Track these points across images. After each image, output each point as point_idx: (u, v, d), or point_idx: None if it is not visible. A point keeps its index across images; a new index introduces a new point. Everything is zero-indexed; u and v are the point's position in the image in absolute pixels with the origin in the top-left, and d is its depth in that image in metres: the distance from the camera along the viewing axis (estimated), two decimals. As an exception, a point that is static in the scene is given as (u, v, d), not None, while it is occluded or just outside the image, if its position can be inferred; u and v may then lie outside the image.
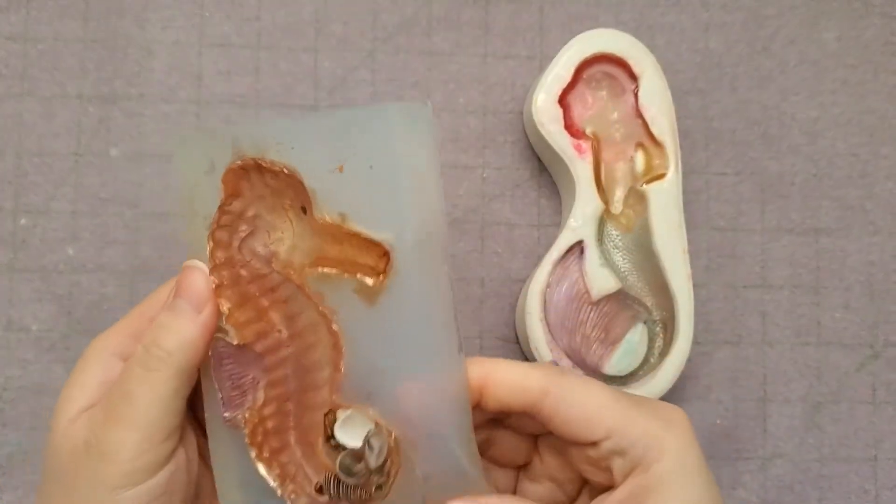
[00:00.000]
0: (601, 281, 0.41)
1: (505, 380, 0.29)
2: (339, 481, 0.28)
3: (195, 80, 0.44)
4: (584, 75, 0.42)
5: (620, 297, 0.42)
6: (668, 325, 0.42)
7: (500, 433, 0.33)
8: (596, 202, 0.42)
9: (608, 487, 0.29)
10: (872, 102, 0.46)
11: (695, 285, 0.44)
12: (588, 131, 0.42)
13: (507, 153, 0.45)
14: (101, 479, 0.27)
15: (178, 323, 0.28)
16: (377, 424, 0.28)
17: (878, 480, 0.45)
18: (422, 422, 0.28)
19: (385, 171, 0.26)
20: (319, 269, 0.28)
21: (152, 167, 0.43)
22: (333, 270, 0.28)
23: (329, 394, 0.29)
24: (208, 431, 0.30)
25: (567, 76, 0.42)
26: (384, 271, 0.27)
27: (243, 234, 0.29)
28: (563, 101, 0.42)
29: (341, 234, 0.28)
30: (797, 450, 0.45)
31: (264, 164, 0.28)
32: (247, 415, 0.29)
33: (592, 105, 0.43)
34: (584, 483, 0.32)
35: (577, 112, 0.42)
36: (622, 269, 0.42)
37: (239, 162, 0.28)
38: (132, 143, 0.44)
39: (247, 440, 0.29)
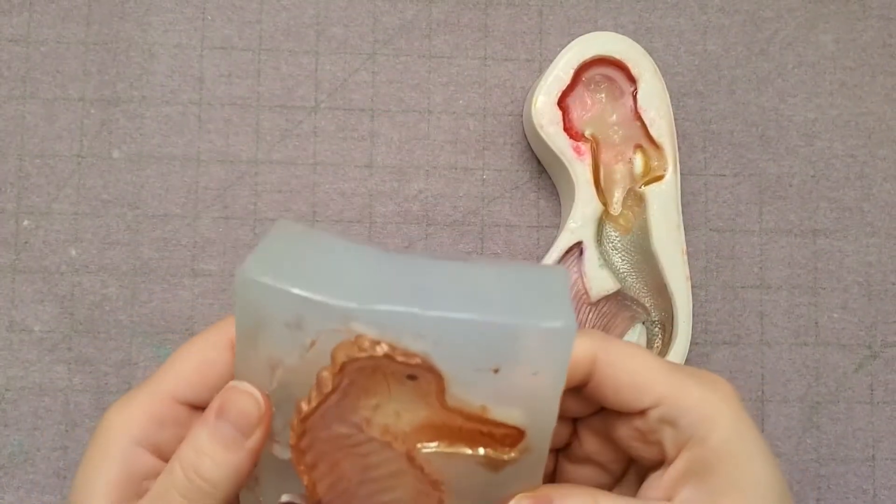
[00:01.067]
0: (600, 282, 0.42)
1: None
2: None
3: (197, 82, 0.44)
4: (584, 78, 0.43)
5: (619, 298, 0.42)
6: (667, 326, 0.42)
7: None
8: (595, 203, 0.42)
9: (657, 464, 0.28)
10: (870, 104, 0.47)
11: (693, 286, 0.44)
12: (587, 133, 0.43)
13: (507, 155, 0.45)
14: None
15: (223, 454, 0.25)
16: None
17: (875, 480, 0.45)
18: None
19: (549, 379, 0.25)
20: (436, 444, 0.26)
21: (154, 169, 0.44)
22: (455, 447, 0.26)
23: None
24: None
25: (566, 78, 0.42)
26: (513, 446, 0.26)
27: (331, 404, 0.26)
28: (562, 103, 0.42)
29: (473, 417, 0.26)
30: (795, 450, 0.45)
31: (398, 359, 0.25)
32: None
33: (591, 107, 0.43)
34: (629, 463, 0.30)
35: (577, 114, 0.43)
36: (621, 270, 0.42)
37: (364, 355, 0.24)
38: (134, 145, 0.44)
39: None
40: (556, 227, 0.45)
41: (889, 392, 0.45)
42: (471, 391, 0.25)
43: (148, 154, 0.44)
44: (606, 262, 0.42)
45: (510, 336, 0.25)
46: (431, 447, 0.26)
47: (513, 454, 0.26)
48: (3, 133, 0.43)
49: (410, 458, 0.26)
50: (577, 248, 0.42)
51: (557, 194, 0.45)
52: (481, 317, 0.25)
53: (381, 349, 0.24)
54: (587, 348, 0.27)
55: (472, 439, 0.26)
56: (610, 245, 0.42)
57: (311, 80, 0.45)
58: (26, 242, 0.43)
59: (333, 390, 0.25)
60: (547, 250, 0.42)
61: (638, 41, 0.43)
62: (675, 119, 0.44)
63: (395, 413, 0.26)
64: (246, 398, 0.25)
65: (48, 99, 0.44)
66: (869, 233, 0.46)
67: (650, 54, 0.43)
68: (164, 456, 0.27)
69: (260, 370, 0.26)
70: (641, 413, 0.27)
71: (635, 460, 0.29)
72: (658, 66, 0.43)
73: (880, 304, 0.46)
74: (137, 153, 0.44)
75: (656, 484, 0.27)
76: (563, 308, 0.25)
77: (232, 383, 0.26)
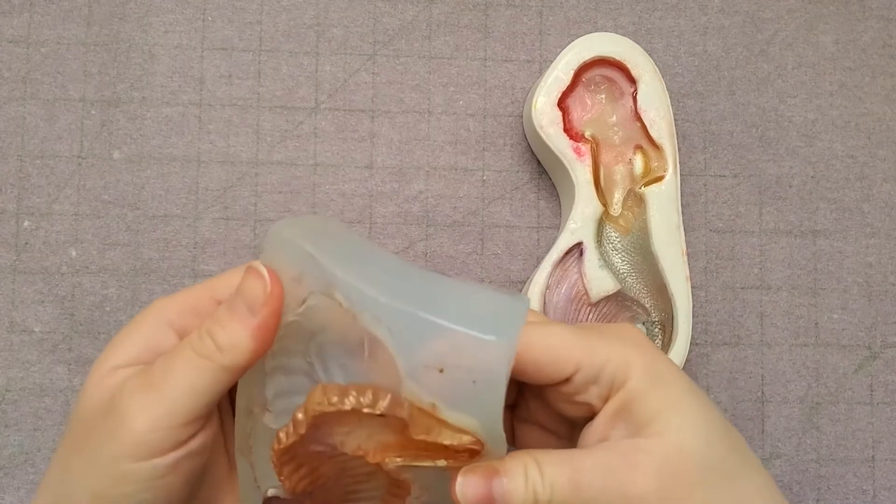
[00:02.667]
0: (600, 282, 0.42)
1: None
2: None
3: (197, 83, 0.44)
4: (583, 78, 0.43)
5: (619, 299, 0.42)
6: (667, 327, 0.42)
7: None
8: (595, 204, 0.42)
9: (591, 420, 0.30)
10: (870, 105, 0.47)
11: (693, 287, 0.44)
12: (587, 134, 0.43)
13: (507, 156, 0.45)
14: (112, 443, 0.27)
15: (231, 323, 0.28)
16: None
17: (875, 481, 0.45)
18: None
19: (487, 390, 0.27)
20: (400, 460, 0.29)
21: (154, 170, 0.44)
22: (418, 460, 0.29)
23: None
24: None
25: (566, 79, 0.42)
26: (474, 456, 0.28)
27: (307, 435, 0.29)
28: (562, 104, 0.42)
29: (429, 422, 0.28)
30: (795, 450, 0.45)
31: (364, 412, 0.28)
32: None
33: (591, 108, 0.43)
34: (572, 426, 0.32)
35: (577, 115, 0.43)
36: (621, 271, 0.42)
37: (332, 409, 0.28)
38: (134, 145, 0.44)
39: None
40: (557, 227, 0.45)
41: (889, 393, 0.45)
42: (422, 388, 0.27)
43: (148, 155, 0.44)
44: (606, 263, 0.42)
45: (451, 340, 0.27)
46: (398, 461, 0.28)
47: (472, 460, 0.28)
48: (4, 134, 0.43)
49: (380, 467, 0.29)
50: (577, 248, 0.42)
51: (557, 195, 0.45)
52: (431, 316, 0.27)
53: (349, 402, 0.27)
54: None
55: (437, 453, 0.28)
56: (610, 246, 0.43)
57: (312, 81, 0.45)
58: (27, 243, 0.43)
59: (306, 432, 0.28)
60: (547, 251, 0.42)
61: (638, 42, 0.43)
62: (675, 120, 0.44)
63: (366, 435, 0.29)
64: (256, 279, 0.28)
65: (48, 100, 0.44)
66: (869, 233, 0.46)
67: (650, 55, 0.43)
68: None
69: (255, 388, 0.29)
70: (567, 381, 0.29)
71: (573, 421, 0.31)
72: (658, 67, 0.43)
73: (880, 304, 0.46)
74: (138, 154, 0.44)
75: (589, 432, 0.29)
76: (509, 327, 0.27)
77: (251, 263, 0.28)
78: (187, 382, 0.27)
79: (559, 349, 0.29)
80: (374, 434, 0.29)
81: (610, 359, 0.29)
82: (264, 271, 0.28)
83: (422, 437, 0.28)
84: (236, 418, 0.31)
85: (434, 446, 0.28)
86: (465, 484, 0.28)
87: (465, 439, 0.28)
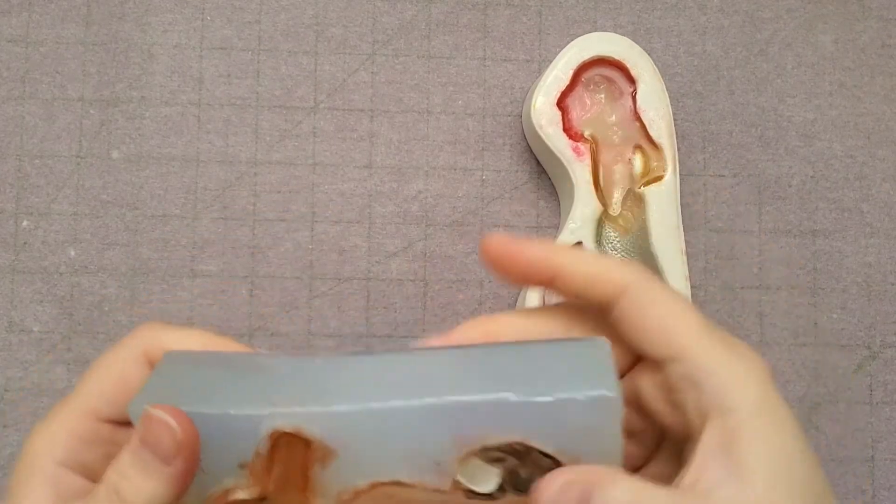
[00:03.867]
0: (599, 282, 0.42)
1: (581, 271, 0.26)
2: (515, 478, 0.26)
3: (196, 83, 0.44)
4: (583, 78, 0.43)
5: (619, 299, 0.42)
6: (666, 326, 0.42)
7: None
8: (594, 204, 0.42)
9: (685, 436, 0.26)
10: (869, 105, 0.47)
11: (693, 286, 0.44)
12: (586, 134, 0.43)
13: (506, 156, 0.45)
14: None
15: (143, 479, 0.25)
16: (481, 452, 0.26)
17: (875, 481, 0.45)
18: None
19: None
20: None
21: (153, 169, 0.44)
22: None
23: None
24: None
25: (565, 79, 0.42)
26: None
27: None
28: (561, 103, 0.42)
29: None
30: (795, 450, 0.45)
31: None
32: None
33: (591, 108, 0.43)
34: (661, 437, 0.28)
35: (576, 115, 0.43)
36: (620, 271, 0.42)
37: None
38: (133, 145, 0.44)
39: None
40: (556, 227, 0.45)
41: (888, 392, 0.45)
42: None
43: (147, 154, 0.44)
44: (606, 263, 0.42)
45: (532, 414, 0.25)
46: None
47: None
48: (3, 133, 0.43)
49: None
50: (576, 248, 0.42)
51: (557, 195, 0.45)
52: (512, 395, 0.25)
53: None
54: (619, 276, 0.26)
55: None
56: (609, 245, 0.43)
57: (311, 81, 0.45)
58: (25, 243, 0.43)
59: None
60: (546, 251, 0.42)
61: (637, 42, 0.43)
62: (675, 119, 0.44)
63: None
64: (161, 428, 0.25)
65: (47, 99, 0.44)
66: (868, 233, 0.46)
67: (649, 55, 0.43)
68: (94, 476, 0.26)
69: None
70: (661, 365, 0.25)
71: (665, 430, 0.28)
72: (657, 67, 0.43)
73: (879, 304, 0.46)
74: (136, 154, 0.44)
75: (690, 471, 0.25)
76: (606, 375, 0.25)
77: (148, 409, 0.25)
78: None
79: (670, 322, 0.25)
80: None
81: (721, 368, 0.24)
82: (170, 420, 0.25)
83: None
84: None
85: None
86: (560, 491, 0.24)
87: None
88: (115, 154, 0.44)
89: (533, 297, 0.41)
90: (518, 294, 0.44)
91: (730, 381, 0.24)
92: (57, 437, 0.26)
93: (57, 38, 0.44)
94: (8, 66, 0.44)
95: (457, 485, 0.26)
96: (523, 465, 0.26)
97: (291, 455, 0.26)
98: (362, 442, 0.25)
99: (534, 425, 0.25)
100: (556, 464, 0.25)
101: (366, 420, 0.25)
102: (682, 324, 0.25)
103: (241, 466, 0.26)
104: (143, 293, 0.43)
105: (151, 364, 0.28)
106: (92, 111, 0.44)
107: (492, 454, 0.26)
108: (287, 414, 0.25)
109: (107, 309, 0.43)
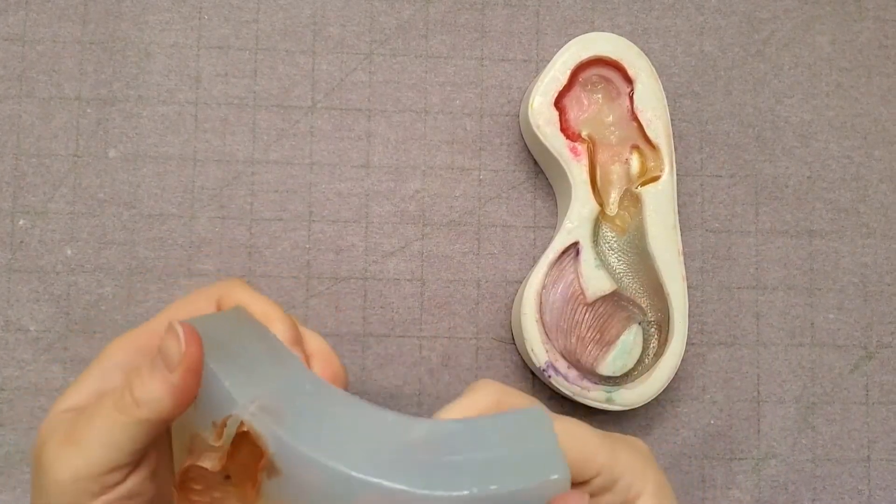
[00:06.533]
0: (596, 282, 0.42)
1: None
2: None
3: (193, 82, 0.44)
4: (580, 78, 0.43)
5: (615, 299, 0.42)
6: (663, 326, 0.42)
7: None
8: (591, 204, 0.42)
9: None
10: (866, 105, 0.47)
11: (689, 286, 0.44)
12: (584, 134, 0.43)
13: (504, 155, 0.45)
14: (41, 490, 0.28)
15: (150, 379, 0.28)
16: None
17: (871, 481, 0.45)
18: None
19: None
20: None
21: (150, 168, 0.44)
22: None
23: None
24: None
25: (563, 79, 0.42)
26: None
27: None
28: (559, 103, 0.42)
29: None
30: (791, 450, 0.45)
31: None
32: None
33: (588, 108, 0.43)
34: None
35: (573, 115, 0.43)
36: (617, 271, 0.42)
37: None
38: (130, 144, 0.44)
39: None
40: (553, 227, 0.45)
41: (884, 393, 0.45)
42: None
43: (144, 153, 0.44)
44: (603, 263, 0.42)
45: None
46: None
47: None
48: (-1, 132, 0.43)
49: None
50: (573, 248, 0.42)
51: (554, 195, 0.45)
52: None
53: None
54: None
55: None
56: (606, 245, 0.43)
57: (308, 80, 0.45)
58: (22, 242, 0.43)
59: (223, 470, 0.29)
60: (543, 251, 0.42)
61: (634, 42, 0.43)
62: (672, 120, 0.44)
63: None
64: (172, 338, 0.28)
65: (44, 98, 0.44)
66: (865, 234, 0.46)
67: (647, 55, 0.43)
68: None
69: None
70: (585, 482, 0.30)
71: None
72: (654, 67, 0.43)
73: (876, 304, 0.46)
74: (134, 152, 0.44)
75: None
76: (556, 457, 0.28)
77: (170, 322, 0.29)
78: (104, 435, 0.28)
79: (590, 451, 0.30)
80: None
81: (626, 471, 0.31)
82: (180, 332, 0.28)
83: None
84: (174, 455, 0.31)
85: None
86: None
87: None
88: (111, 153, 0.44)
89: (531, 297, 0.41)
90: (515, 295, 0.44)
91: (634, 478, 0.31)
92: (124, 344, 0.32)
93: (54, 37, 0.44)
94: (4, 64, 0.44)
95: None
96: None
97: (253, 451, 0.28)
98: (306, 482, 0.28)
99: None
100: None
101: (316, 468, 0.27)
102: (592, 447, 0.30)
103: (213, 424, 0.28)
104: (140, 292, 0.43)
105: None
106: (89, 110, 0.44)
107: None
108: (260, 419, 0.28)
109: (103, 308, 0.43)
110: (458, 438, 0.29)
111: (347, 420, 0.29)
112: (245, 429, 0.28)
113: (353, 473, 0.27)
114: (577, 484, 0.30)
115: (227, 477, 0.29)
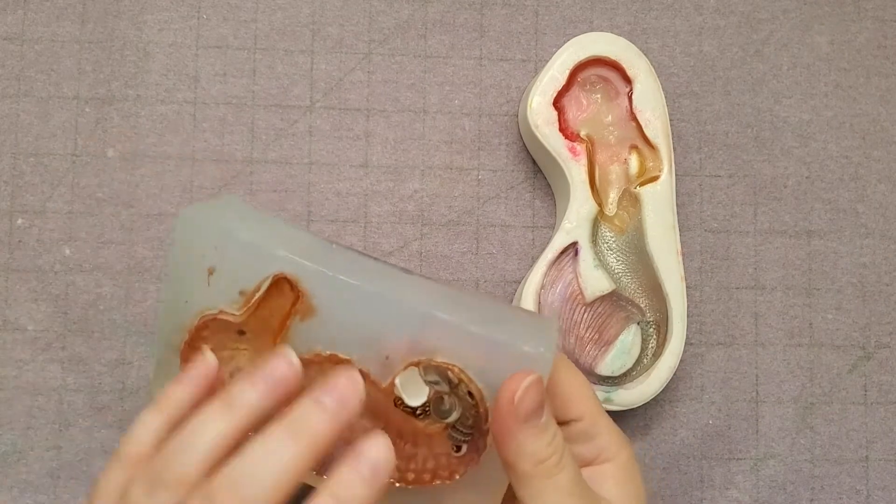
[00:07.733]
0: (595, 282, 0.42)
1: None
2: (454, 427, 0.31)
3: (192, 81, 0.44)
4: (579, 78, 0.43)
5: (614, 299, 0.42)
6: (662, 327, 0.42)
7: None
8: (590, 204, 0.42)
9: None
10: (864, 106, 0.47)
11: (688, 287, 0.44)
12: (582, 134, 0.43)
13: (502, 155, 0.45)
14: None
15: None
16: (422, 366, 0.30)
17: (869, 481, 0.45)
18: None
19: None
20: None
21: (148, 168, 0.44)
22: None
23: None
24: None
25: (562, 79, 0.42)
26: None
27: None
28: (557, 103, 0.42)
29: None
30: (789, 450, 0.45)
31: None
32: None
33: (587, 108, 0.43)
34: None
35: (572, 115, 0.43)
36: (616, 271, 0.42)
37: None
38: (128, 143, 0.44)
39: None
40: (552, 227, 0.45)
41: (882, 393, 0.45)
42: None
43: (142, 153, 0.44)
44: (601, 263, 0.42)
45: (487, 348, 0.30)
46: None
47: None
48: (-3, 131, 0.43)
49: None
50: (572, 248, 0.42)
51: (553, 194, 0.45)
52: (476, 328, 0.30)
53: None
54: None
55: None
56: (605, 245, 0.43)
57: (307, 80, 0.45)
58: (20, 241, 0.43)
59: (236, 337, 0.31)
60: (542, 250, 0.42)
61: (633, 42, 0.43)
62: (671, 120, 0.44)
63: (250, 359, 0.32)
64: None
65: (42, 97, 0.44)
66: (863, 234, 0.46)
67: (646, 55, 0.43)
68: None
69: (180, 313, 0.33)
70: (567, 423, 0.32)
71: None
72: (653, 67, 0.43)
73: (874, 305, 0.46)
74: (132, 152, 0.44)
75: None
76: (549, 342, 0.30)
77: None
78: None
79: (577, 393, 0.32)
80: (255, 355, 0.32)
81: (609, 431, 0.33)
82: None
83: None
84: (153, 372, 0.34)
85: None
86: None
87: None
88: (110, 152, 0.44)
89: (529, 297, 0.41)
90: (514, 295, 0.44)
91: (612, 440, 0.33)
92: None
93: (52, 36, 0.44)
94: (3, 63, 0.44)
95: (392, 387, 0.30)
96: (450, 395, 0.30)
97: (280, 303, 0.30)
98: (341, 313, 0.30)
99: (476, 357, 0.29)
100: (475, 405, 0.30)
101: (353, 294, 0.30)
102: (582, 392, 0.33)
103: (241, 293, 0.30)
104: (138, 292, 0.43)
105: None
106: (87, 109, 0.44)
107: (430, 376, 0.30)
108: (296, 263, 0.30)
109: (101, 308, 0.43)
110: (477, 296, 0.32)
111: (381, 267, 0.32)
112: (279, 276, 0.30)
113: (396, 296, 0.30)
114: (559, 424, 0.31)
115: (241, 333, 0.31)
